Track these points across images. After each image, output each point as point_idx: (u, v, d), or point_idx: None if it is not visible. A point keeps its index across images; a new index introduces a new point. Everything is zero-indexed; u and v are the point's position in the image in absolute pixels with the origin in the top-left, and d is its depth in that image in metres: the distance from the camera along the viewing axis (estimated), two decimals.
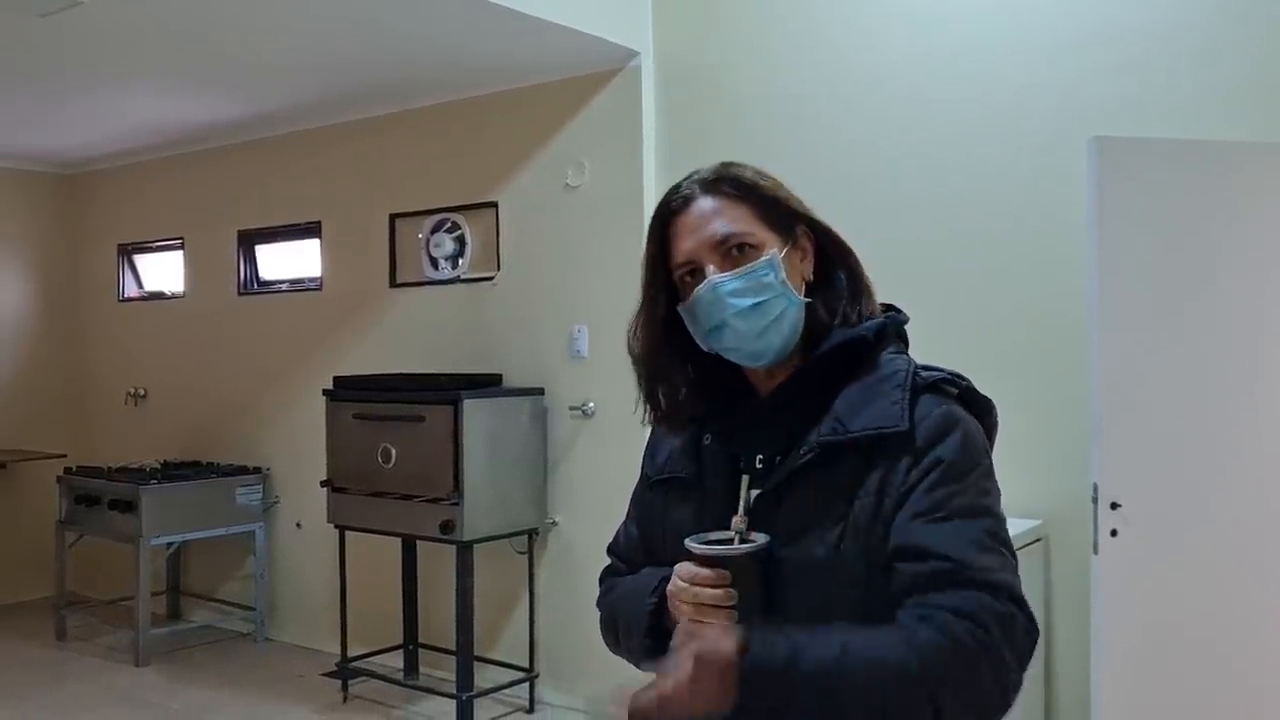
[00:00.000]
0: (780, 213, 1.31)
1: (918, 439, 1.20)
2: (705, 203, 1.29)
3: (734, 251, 1.28)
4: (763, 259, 1.27)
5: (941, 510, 1.16)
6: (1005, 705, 1.15)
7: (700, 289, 1.27)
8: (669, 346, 1.33)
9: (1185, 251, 2.95)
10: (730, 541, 1.23)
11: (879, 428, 1.20)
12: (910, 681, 1.10)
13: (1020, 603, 1.15)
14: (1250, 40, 3.15)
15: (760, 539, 1.22)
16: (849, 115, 3.83)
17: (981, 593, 1.12)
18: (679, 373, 1.34)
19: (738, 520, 1.24)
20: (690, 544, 1.23)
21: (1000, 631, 1.12)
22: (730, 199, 1.29)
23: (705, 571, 1.21)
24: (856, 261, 1.34)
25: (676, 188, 1.32)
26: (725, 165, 1.33)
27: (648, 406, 1.37)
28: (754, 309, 1.26)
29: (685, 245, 1.29)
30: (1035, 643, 1.16)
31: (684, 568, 1.23)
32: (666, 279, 1.32)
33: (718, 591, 1.19)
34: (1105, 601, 2.93)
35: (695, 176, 1.32)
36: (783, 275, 1.27)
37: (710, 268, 1.27)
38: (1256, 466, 2.97)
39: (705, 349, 1.31)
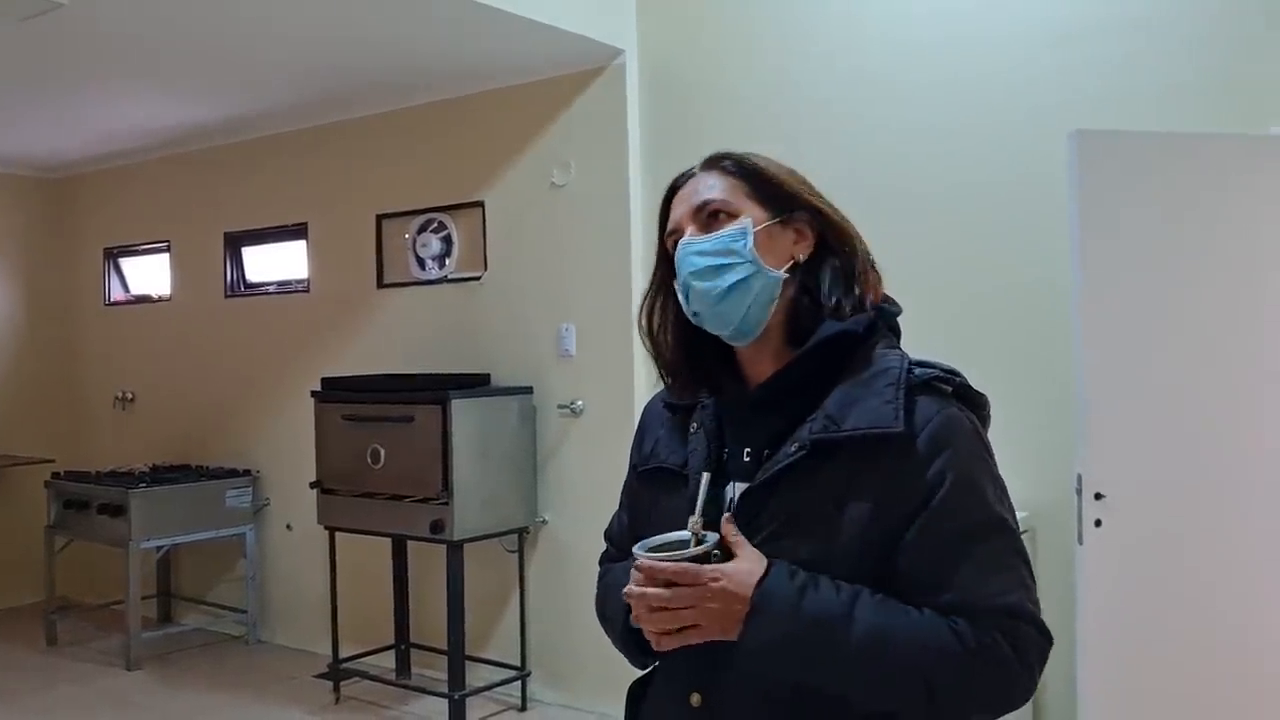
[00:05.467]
0: (775, 191, 1.31)
1: (919, 447, 1.18)
2: (702, 177, 1.33)
3: (711, 219, 1.30)
4: (734, 226, 1.28)
5: (954, 533, 1.17)
6: (1011, 707, 1.19)
7: (676, 251, 1.31)
8: (666, 320, 1.37)
9: (1167, 243, 2.97)
10: (687, 542, 1.21)
11: (873, 427, 1.18)
12: (914, 653, 1.14)
13: (1032, 618, 1.18)
14: (1230, 33, 3.18)
15: (709, 540, 1.19)
16: (832, 111, 3.85)
17: (996, 617, 1.16)
18: (677, 343, 1.36)
19: (693, 521, 1.22)
20: (636, 550, 1.21)
21: (1012, 647, 1.16)
22: (726, 174, 1.32)
23: (653, 577, 1.19)
24: (855, 251, 1.31)
25: (688, 169, 1.37)
26: (738, 153, 1.35)
27: (665, 377, 1.40)
28: (714, 270, 1.26)
29: (675, 214, 1.34)
30: (1048, 648, 1.20)
31: (637, 573, 1.21)
32: (666, 252, 1.36)
33: (664, 593, 1.17)
34: (1089, 592, 2.95)
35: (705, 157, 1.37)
36: (751, 244, 1.27)
37: (689, 231, 1.30)
38: (1240, 457, 2.99)
39: (691, 320, 1.32)
